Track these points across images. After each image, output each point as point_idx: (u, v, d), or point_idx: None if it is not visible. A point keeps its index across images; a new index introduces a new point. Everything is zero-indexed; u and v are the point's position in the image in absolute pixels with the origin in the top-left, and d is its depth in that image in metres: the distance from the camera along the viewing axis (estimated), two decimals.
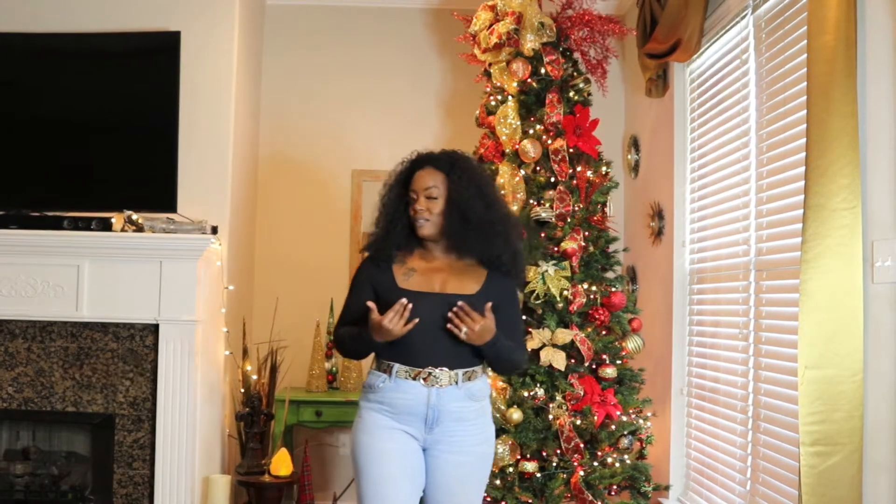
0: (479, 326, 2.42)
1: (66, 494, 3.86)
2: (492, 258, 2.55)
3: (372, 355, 2.57)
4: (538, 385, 3.59)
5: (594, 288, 3.73)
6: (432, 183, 2.53)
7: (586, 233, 3.77)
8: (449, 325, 2.42)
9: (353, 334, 2.55)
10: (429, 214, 2.53)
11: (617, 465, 3.56)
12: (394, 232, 2.56)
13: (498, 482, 3.51)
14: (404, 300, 2.40)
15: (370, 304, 2.43)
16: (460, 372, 2.49)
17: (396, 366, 2.48)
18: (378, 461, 2.46)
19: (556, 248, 3.72)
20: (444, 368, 2.47)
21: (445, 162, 2.57)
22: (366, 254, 2.65)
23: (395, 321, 2.39)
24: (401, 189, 2.59)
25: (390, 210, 2.58)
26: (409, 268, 2.56)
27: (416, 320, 2.41)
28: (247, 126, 4.49)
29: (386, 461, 2.46)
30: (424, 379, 2.46)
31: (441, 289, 2.52)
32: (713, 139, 3.72)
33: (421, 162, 2.59)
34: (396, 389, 2.48)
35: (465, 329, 2.42)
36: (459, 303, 2.43)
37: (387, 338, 2.42)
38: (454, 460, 2.51)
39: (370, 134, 4.82)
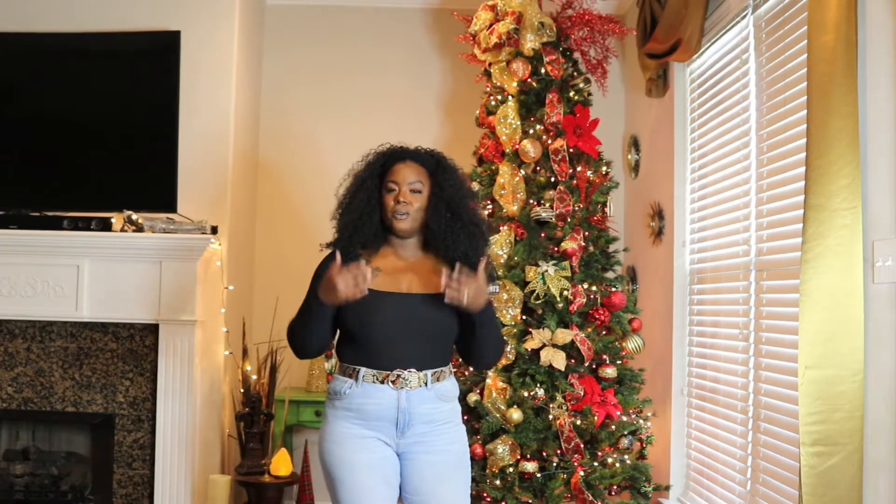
0: (475, 285, 2.29)
1: (66, 495, 3.86)
2: (468, 258, 2.45)
3: (334, 361, 2.50)
4: (538, 385, 3.59)
5: (594, 288, 3.72)
6: (416, 178, 2.46)
7: (586, 233, 3.77)
8: (448, 300, 2.28)
9: (301, 311, 2.44)
10: (410, 208, 2.44)
11: (617, 465, 3.55)
12: (363, 228, 2.45)
13: (498, 482, 3.51)
14: (366, 268, 2.27)
15: (338, 253, 2.30)
16: (429, 373, 2.41)
17: (363, 370, 2.39)
18: (353, 472, 2.36)
19: (556, 248, 3.72)
20: (413, 370, 2.38)
21: (429, 158, 2.51)
22: (328, 250, 2.52)
23: (348, 280, 2.24)
24: (376, 182, 2.48)
25: (361, 204, 2.46)
26: (374, 267, 2.43)
27: (366, 291, 2.27)
28: (247, 126, 4.49)
29: (361, 472, 2.36)
30: (393, 382, 2.37)
31: (408, 289, 2.44)
32: (713, 139, 3.72)
33: (401, 155, 2.50)
34: (364, 395, 2.38)
35: (466, 291, 2.27)
36: (445, 271, 2.31)
37: (332, 298, 2.28)
38: (430, 460, 2.42)
39: (370, 134, 4.78)
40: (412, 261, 2.50)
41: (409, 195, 2.44)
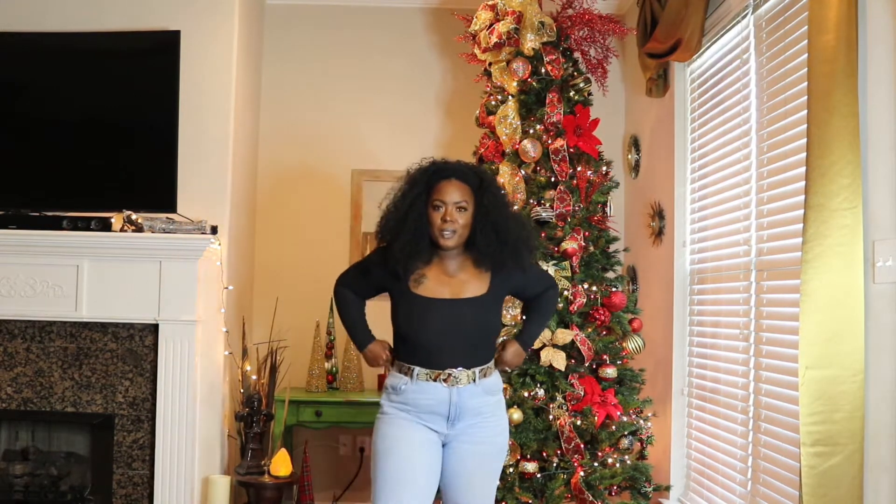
0: (512, 357, 2.75)
1: (66, 495, 3.86)
2: (509, 266, 2.66)
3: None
4: (538, 385, 3.59)
5: (594, 288, 3.72)
6: (461, 197, 2.60)
7: (586, 233, 3.77)
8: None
9: (352, 321, 2.78)
10: (456, 226, 2.59)
11: (617, 465, 3.55)
12: (418, 247, 2.60)
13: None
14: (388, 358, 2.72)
15: (386, 354, 2.74)
16: (476, 370, 2.62)
17: (417, 369, 2.60)
18: (400, 446, 2.58)
19: (556, 248, 3.72)
20: (462, 368, 2.59)
21: (473, 176, 2.65)
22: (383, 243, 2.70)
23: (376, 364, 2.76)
24: (423, 199, 2.62)
25: (413, 224, 2.60)
26: (420, 274, 2.64)
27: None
28: (247, 125, 4.48)
29: (408, 446, 2.58)
30: (445, 380, 2.59)
31: (452, 294, 2.63)
32: (714, 139, 3.71)
33: (446, 172, 2.64)
34: (419, 391, 2.60)
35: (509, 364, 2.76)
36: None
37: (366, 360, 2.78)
38: (472, 450, 2.64)
39: (370, 133, 4.81)
40: (455, 267, 2.68)
41: (455, 213, 2.59)
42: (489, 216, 2.61)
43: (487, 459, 2.67)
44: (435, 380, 2.58)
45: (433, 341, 2.58)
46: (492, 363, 2.69)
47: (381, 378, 4.21)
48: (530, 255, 2.74)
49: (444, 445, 2.65)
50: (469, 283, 2.64)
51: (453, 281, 2.65)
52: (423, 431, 2.61)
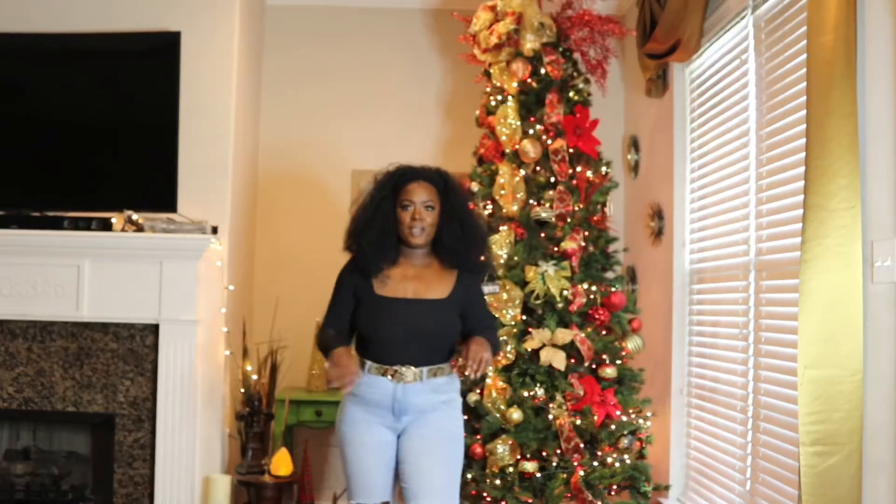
0: (480, 358, 2.57)
1: (67, 494, 3.86)
2: (473, 262, 2.81)
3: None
4: (538, 385, 3.59)
5: (594, 288, 3.73)
6: (428, 197, 2.74)
7: (586, 233, 3.78)
8: (468, 373, 2.57)
9: (326, 346, 2.76)
10: (425, 224, 2.73)
11: (617, 464, 3.56)
12: (384, 244, 2.73)
13: (498, 482, 3.51)
14: (361, 376, 2.66)
15: (356, 376, 2.63)
16: (425, 369, 2.70)
17: (369, 363, 2.72)
18: (358, 452, 2.74)
19: (556, 248, 3.72)
20: (410, 366, 2.68)
21: (438, 178, 2.78)
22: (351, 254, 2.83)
23: (343, 381, 2.64)
24: (390, 200, 2.75)
25: (380, 223, 2.73)
26: (385, 275, 2.76)
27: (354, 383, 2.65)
28: (247, 126, 4.49)
29: (364, 452, 2.73)
30: (392, 375, 2.69)
31: (415, 294, 2.74)
32: (713, 139, 3.72)
33: (413, 175, 2.77)
34: (369, 384, 2.71)
35: (480, 365, 2.58)
36: (459, 361, 2.68)
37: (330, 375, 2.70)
38: (419, 433, 2.71)
39: (370, 134, 4.82)
40: (420, 268, 2.79)
41: (424, 212, 2.73)
42: (455, 214, 2.76)
43: (437, 446, 2.71)
44: (383, 374, 2.69)
45: (387, 338, 2.69)
46: (446, 365, 2.74)
47: None
48: (486, 251, 2.90)
49: (399, 437, 2.74)
50: (433, 285, 2.76)
51: (418, 281, 2.75)
52: (375, 434, 2.72)
